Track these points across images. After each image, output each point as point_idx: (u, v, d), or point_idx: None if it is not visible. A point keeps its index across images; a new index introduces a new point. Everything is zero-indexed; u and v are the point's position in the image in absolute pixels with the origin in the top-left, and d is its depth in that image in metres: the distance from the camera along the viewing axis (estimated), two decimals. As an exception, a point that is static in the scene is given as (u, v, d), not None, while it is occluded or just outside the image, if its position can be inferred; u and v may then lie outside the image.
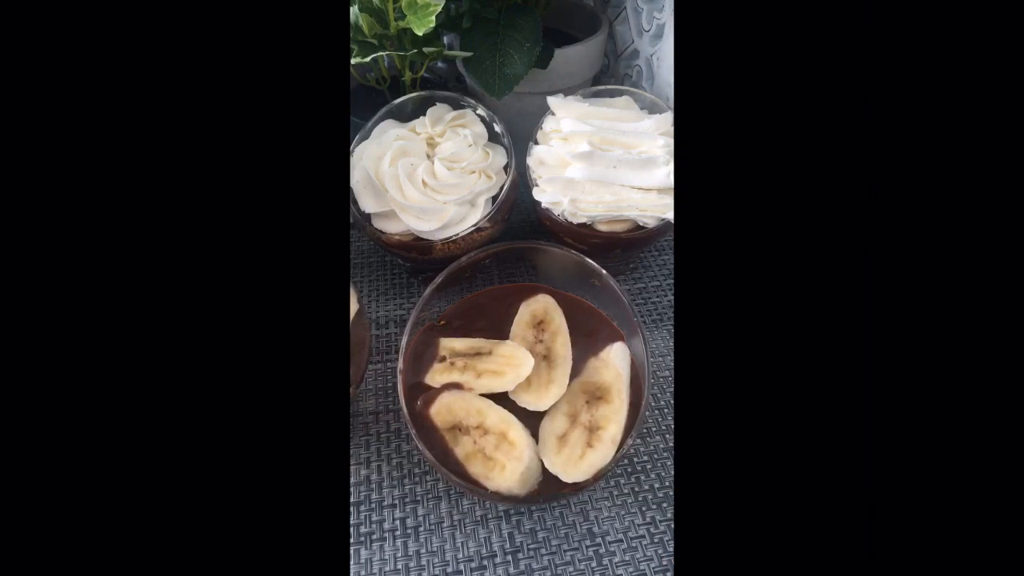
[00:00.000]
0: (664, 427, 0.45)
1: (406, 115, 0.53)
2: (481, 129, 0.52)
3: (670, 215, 0.47)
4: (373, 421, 0.46)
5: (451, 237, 0.48)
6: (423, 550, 0.38)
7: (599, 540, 0.39)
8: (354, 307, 0.39)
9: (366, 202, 0.49)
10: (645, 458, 0.43)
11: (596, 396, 0.38)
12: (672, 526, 0.41)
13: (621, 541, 0.39)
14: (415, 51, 0.52)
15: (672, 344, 0.52)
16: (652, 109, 0.53)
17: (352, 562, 0.37)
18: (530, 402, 0.37)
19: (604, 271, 0.40)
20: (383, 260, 0.57)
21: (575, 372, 0.40)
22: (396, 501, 0.41)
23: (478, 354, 0.40)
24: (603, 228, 0.48)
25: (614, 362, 0.39)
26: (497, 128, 0.52)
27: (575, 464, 0.36)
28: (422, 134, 0.51)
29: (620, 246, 0.50)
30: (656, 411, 0.46)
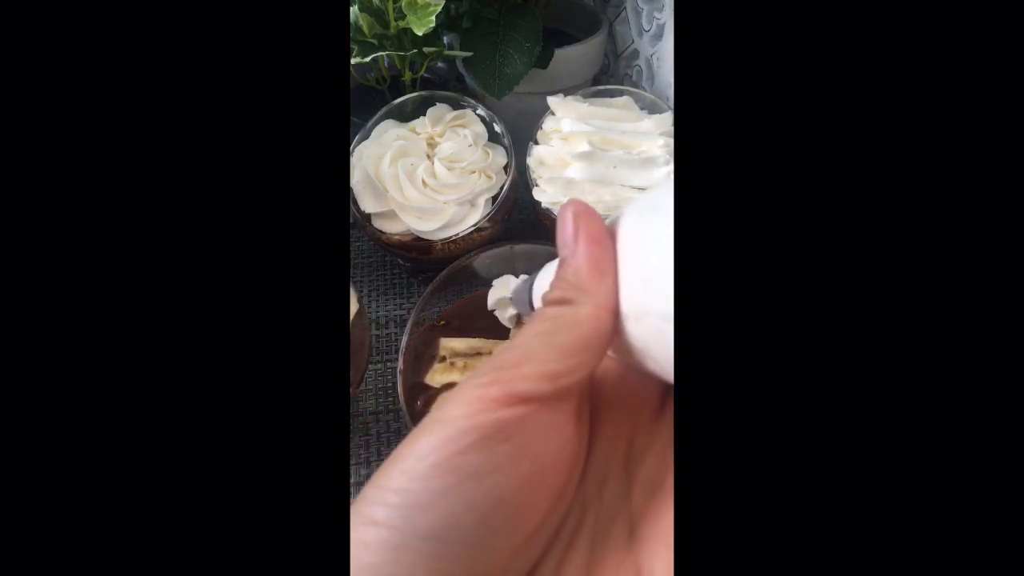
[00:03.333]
0: (664, 427, 0.45)
1: (406, 115, 0.53)
2: (481, 129, 0.52)
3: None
4: (373, 421, 0.46)
5: (451, 237, 0.48)
6: (423, 550, 0.38)
7: (599, 540, 0.39)
8: (354, 307, 0.39)
9: (366, 202, 0.49)
10: (645, 458, 0.43)
11: (596, 396, 0.38)
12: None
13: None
14: (415, 51, 0.52)
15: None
16: (652, 109, 0.52)
17: (352, 562, 0.37)
18: (530, 402, 0.37)
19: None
20: (383, 260, 0.57)
21: (575, 372, 0.39)
22: (396, 501, 0.41)
23: (478, 354, 0.40)
24: (603, 228, 0.48)
25: (614, 362, 0.39)
26: (497, 128, 0.52)
27: (575, 464, 0.35)
28: (422, 134, 0.51)
29: (620, 246, 0.50)
30: (656, 411, 0.46)
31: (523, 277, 0.27)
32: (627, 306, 0.16)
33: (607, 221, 0.18)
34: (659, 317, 0.15)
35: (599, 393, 0.19)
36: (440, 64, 0.66)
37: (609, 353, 0.18)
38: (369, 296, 0.54)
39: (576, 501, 0.17)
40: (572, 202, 0.18)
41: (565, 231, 0.17)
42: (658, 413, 0.19)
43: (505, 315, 0.40)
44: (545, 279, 0.20)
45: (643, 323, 0.16)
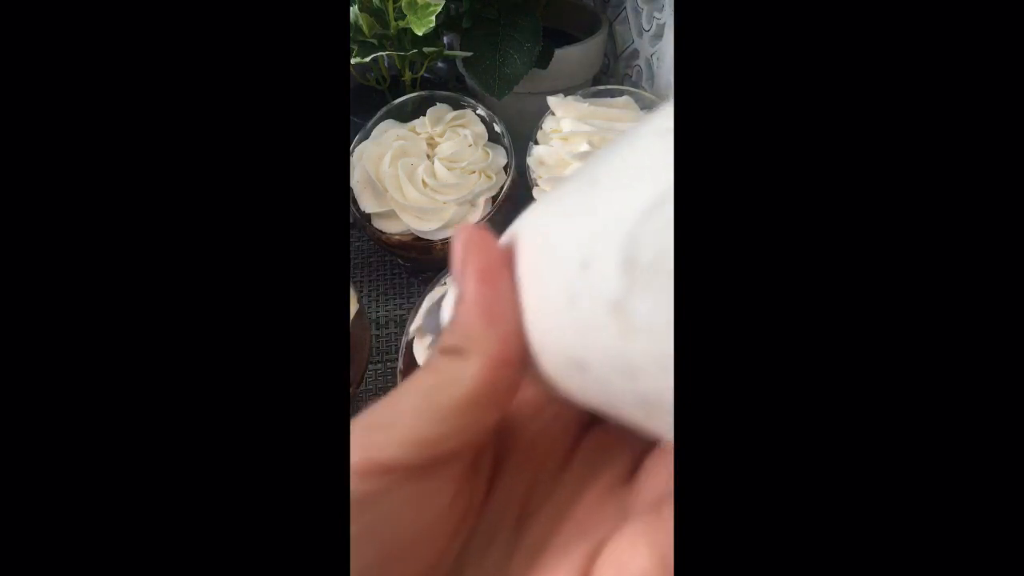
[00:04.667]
0: (664, 427, 0.45)
1: (406, 115, 0.53)
2: (481, 129, 0.52)
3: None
4: (373, 421, 0.46)
5: (451, 237, 0.48)
6: (423, 550, 0.38)
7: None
8: (354, 307, 0.39)
9: (366, 202, 0.49)
10: (645, 458, 0.43)
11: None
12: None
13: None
14: (415, 51, 0.52)
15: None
16: (652, 109, 0.52)
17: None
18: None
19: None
20: (383, 260, 0.57)
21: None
22: (396, 501, 0.41)
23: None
24: (603, 228, 0.48)
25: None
26: (497, 128, 0.52)
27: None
28: (422, 134, 0.51)
29: (620, 246, 0.49)
30: (656, 411, 0.46)
31: (430, 298, 0.24)
32: (534, 341, 0.14)
33: (506, 235, 0.16)
34: (569, 364, 0.13)
35: (509, 428, 0.17)
36: (440, 64, 0.66)
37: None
38: (369, 296, 0.54)
39: (455, 565, 0.15)
40: (462, 228, 0.15)
41: (455, 264, 0.15)
42: (568, 456, 0.16)
43: (423, 345, 0.36)
44: (451, 304, 0.17)
45: (552, 363, 0.14)
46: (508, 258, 0.15)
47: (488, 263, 0.15)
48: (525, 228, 0.15)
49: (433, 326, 0.19)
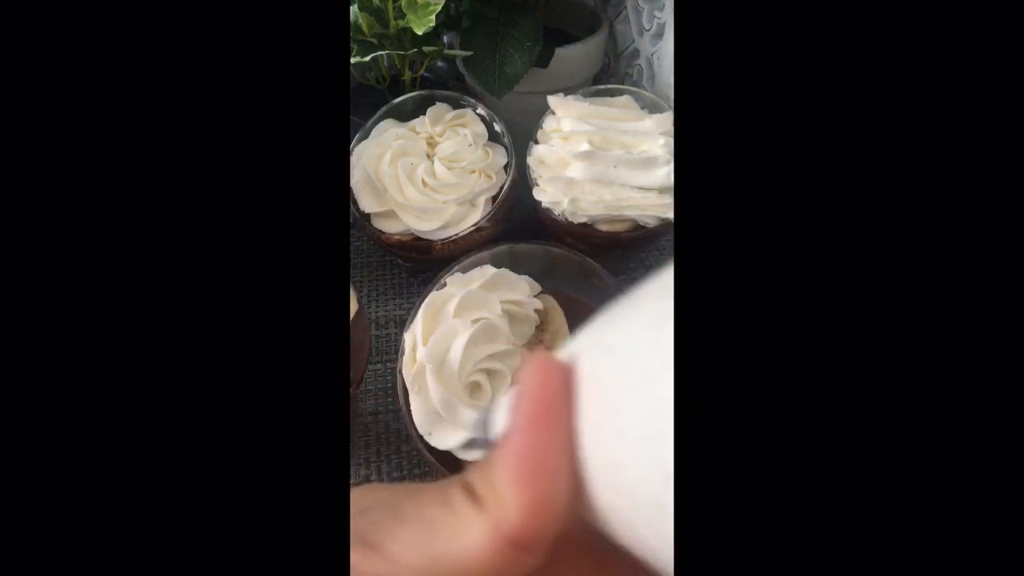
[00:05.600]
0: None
1: (406, 115, 0.53)
2: (481, 128, 0.52)
3: (670, 215, 0.47)
4: (373, 421, 0.46)
5: (451, 237, 0.48)
6: (423, 550, 0.38)
7: (599, 540, 0.39)
8: (354, 307, 0.39)
9: (366, 202, 0.49)
10: (645, 458, 0.43)
11: (596, 396, 0.38)
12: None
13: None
14: (415, 50, 0.52)
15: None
16: (652, 109, 0.52)
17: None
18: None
19: (604, 271, 0.40)
20: (383, 260, 0.56)
21: (575, 372, 0.39)
22: (396, 501, 0.41)
23: (478, 354, 0.40)
24: (603, 228, 0.48)
25: (614, 362, 0.39)
26: (497, 127, 0.52)
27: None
28: (422, 134, 0.51)
29: (620, 246, 0.50)
30: (656, 411, 0.46)
31: (477, 413, 0.23)
32: (599, 493, 0.12)
33: (566, 352, 0.13)
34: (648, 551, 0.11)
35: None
36: (440, 63, 0.66)
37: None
38: (369, 296, 0.54)
39: None
40: (531, 360, 0.12)
41: (515, 387, 0.13)
42: None
43: (470, 456, 0.34)
44: (500, 415, 0.15)
45: (620, 527, 0.12)
46: (568, 401, 0.12)
47: (544, 406, 0.12)
48: (589, 369, 0.12)
49: (481, 441, 0.17)
